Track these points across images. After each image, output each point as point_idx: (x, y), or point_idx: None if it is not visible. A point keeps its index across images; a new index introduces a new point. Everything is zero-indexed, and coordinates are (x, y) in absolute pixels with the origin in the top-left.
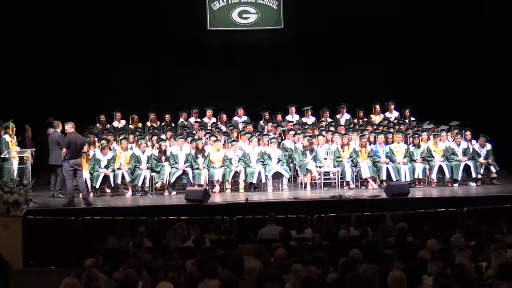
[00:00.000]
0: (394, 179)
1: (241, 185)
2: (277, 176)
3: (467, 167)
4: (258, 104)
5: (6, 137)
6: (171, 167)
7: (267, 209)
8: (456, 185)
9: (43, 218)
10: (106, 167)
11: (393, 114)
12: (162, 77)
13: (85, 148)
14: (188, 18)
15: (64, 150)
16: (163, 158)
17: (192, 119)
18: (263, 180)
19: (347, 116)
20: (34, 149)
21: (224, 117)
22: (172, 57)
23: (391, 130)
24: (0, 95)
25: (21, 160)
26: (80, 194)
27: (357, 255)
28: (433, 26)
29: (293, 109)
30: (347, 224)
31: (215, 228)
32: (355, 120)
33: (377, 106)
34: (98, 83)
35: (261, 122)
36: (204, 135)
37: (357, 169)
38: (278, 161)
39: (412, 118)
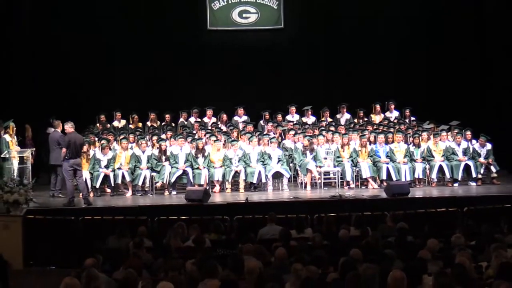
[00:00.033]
0: (394, 179)
1: (241, 185)
2: (277, 176)
3: (467, 167)
4: (258, 104)
5: (6, 137)
6: (171, 167)
7: (267, 209)
8: (456, 184)
9: (43, 218)
10: (106, 167)
11: (393, 114)
12: (162, 77)
13: (85, 148)
14: (188, 18)
15: (64, 150)
16: (163, 158)
17: (192, 119)
18: (263, 180)
19: (347, 116)
20: (34, 149)
21: (224, 117)
22: (172, 57)
23: (391, 130)
24: (0, 95)
25: (21, 160)
26: (80, 194)
27: (357, 255)
28: (433, 26)
29: (293, 109)
30: (347, 224)
31: (215, 228)
32: (355, 120)
33: (377, 106)
34: (98, 83)
35: (261, 122)
36: (204, 135)
37: (357, 169)
38: (278, 161)
39: (412, 118)
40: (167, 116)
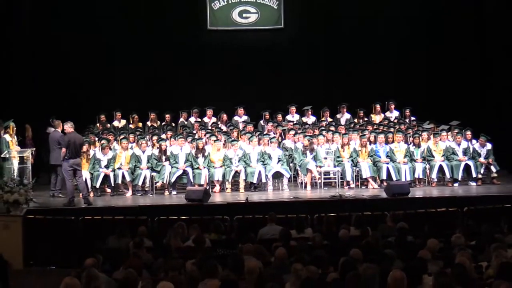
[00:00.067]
0: (394, 178)
1: (241, 184)
2: (277, 175)
3: (467, 167)
4: (258, 104)
5: (7, 136)
6: (172, 167)
7: (267, 208)
8: (456, 184)
9: (43, 217)
10: (107, 166)
11: (393, 114)
12: (162, 77)
13: (85, 148)
14: (188, 18)
15: (64, 150)
16: (164, 157)
17: (192, 119)
18: (263, 180)
19: (347, 115)
20: (34, 148)
21: (225, 116)
22: (172, 57)
23: (391, 129)
24: (0, 95)
25: (21, 160)
26: (80, 194)
27: (357, 255)
28: (433, 26)
29: (293, 108)
30: (347, 223)
31: (215, 228)
32: (356, 120)
33: (377, 106)
34: (98, 83)
35: (262, 121)
36: (205, 135)
37: (357, 169)
38: (278, 161)
39: (413, 118)
40: (167, 116)
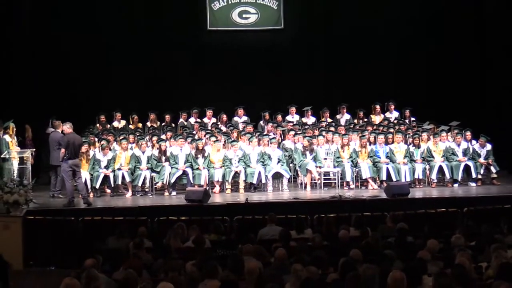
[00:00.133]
0: (394, 179)
1: (241, 185)
2: (277, 176)
3: (467, 167)
4: (258, 104)
5: (6, 137)
6: (171, 168)
7: (267, 209)
8: (456, 185)
9: (43, 218)
10: (106, 167)
11: (393, 114)
12: (162, 77)
13: (85, 149)
14: (188, 18)
15: (63, 150)
16: (163, 158)
17: (192, 119)
18: (263, 181)
19: (347, 116)
20: (34, 149)
21: (224, 117)
22: (172, 57)
23: (391, 130)
24: (0, 95)
25: (21, 160)
26: (80, 195)
27: (357, 255)
28: (433, 26)
29: (293, 109)
30: (347, 224)
31: (215, 229)
32: (355, 120)
33: (377, 106)
34: (98, 83)
35: (261, 122)
36: (204, 135)
37: (357, 170)
38: (278, 161)
39: (412, 118)
40: (167, 117)
